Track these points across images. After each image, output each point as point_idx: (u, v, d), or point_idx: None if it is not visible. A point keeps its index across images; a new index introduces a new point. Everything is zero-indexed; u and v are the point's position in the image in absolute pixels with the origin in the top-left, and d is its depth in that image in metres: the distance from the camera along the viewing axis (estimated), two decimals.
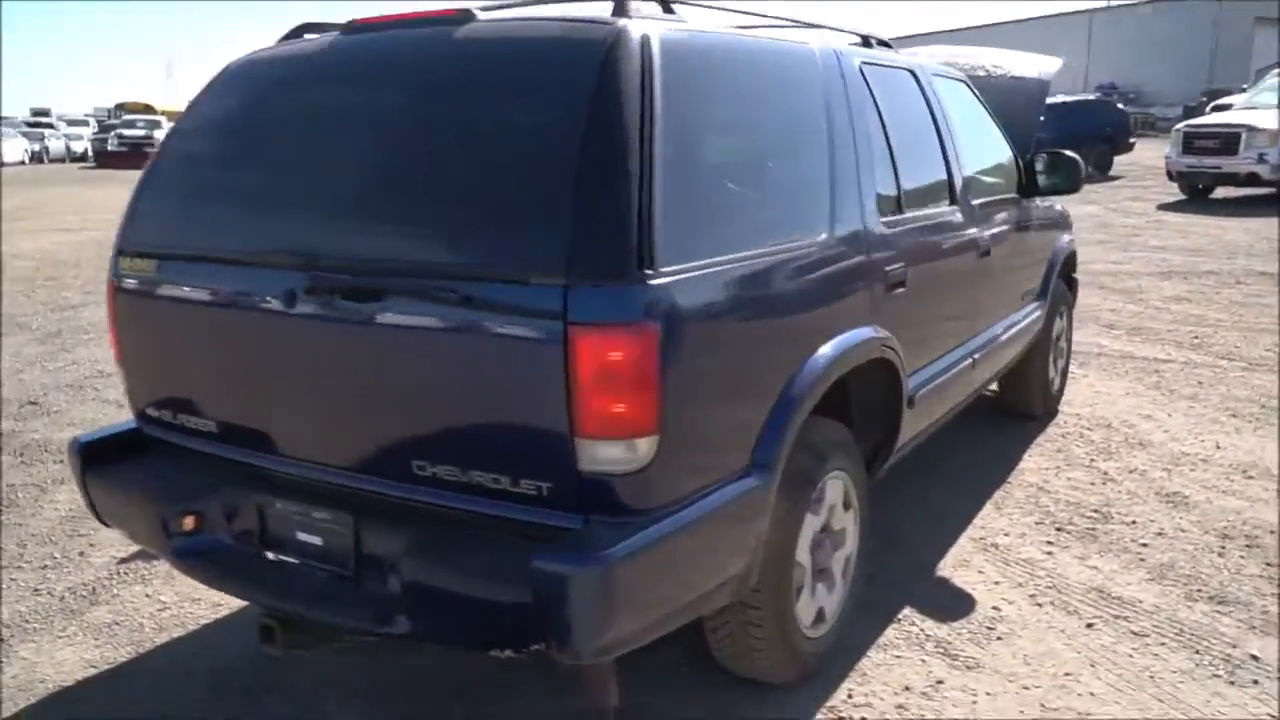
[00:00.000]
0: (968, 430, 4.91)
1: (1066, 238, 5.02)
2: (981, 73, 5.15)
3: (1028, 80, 5.04)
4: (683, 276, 2.06)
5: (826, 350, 2.54)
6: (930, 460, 4.50)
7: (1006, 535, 3.76)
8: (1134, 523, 3.86)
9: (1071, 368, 6.05)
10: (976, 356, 3.70)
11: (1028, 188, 4.33)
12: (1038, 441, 4.80)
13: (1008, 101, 4.92)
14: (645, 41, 2.15)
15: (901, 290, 2.96)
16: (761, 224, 2.42)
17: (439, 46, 2.39)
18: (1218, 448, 4.64)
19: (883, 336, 2.84)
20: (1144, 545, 3.67)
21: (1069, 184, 4.32)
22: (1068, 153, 4.32)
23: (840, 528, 2.86)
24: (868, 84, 3.07)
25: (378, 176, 2.28)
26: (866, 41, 3.46)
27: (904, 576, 3.43)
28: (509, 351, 2.03)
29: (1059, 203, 5.30)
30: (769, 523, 2.43)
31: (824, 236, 2.62)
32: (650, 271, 1.99)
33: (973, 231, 3.57)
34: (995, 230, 3.87)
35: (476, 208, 2.13)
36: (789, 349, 2.44)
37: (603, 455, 1.99)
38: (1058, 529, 3.81)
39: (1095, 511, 3.97)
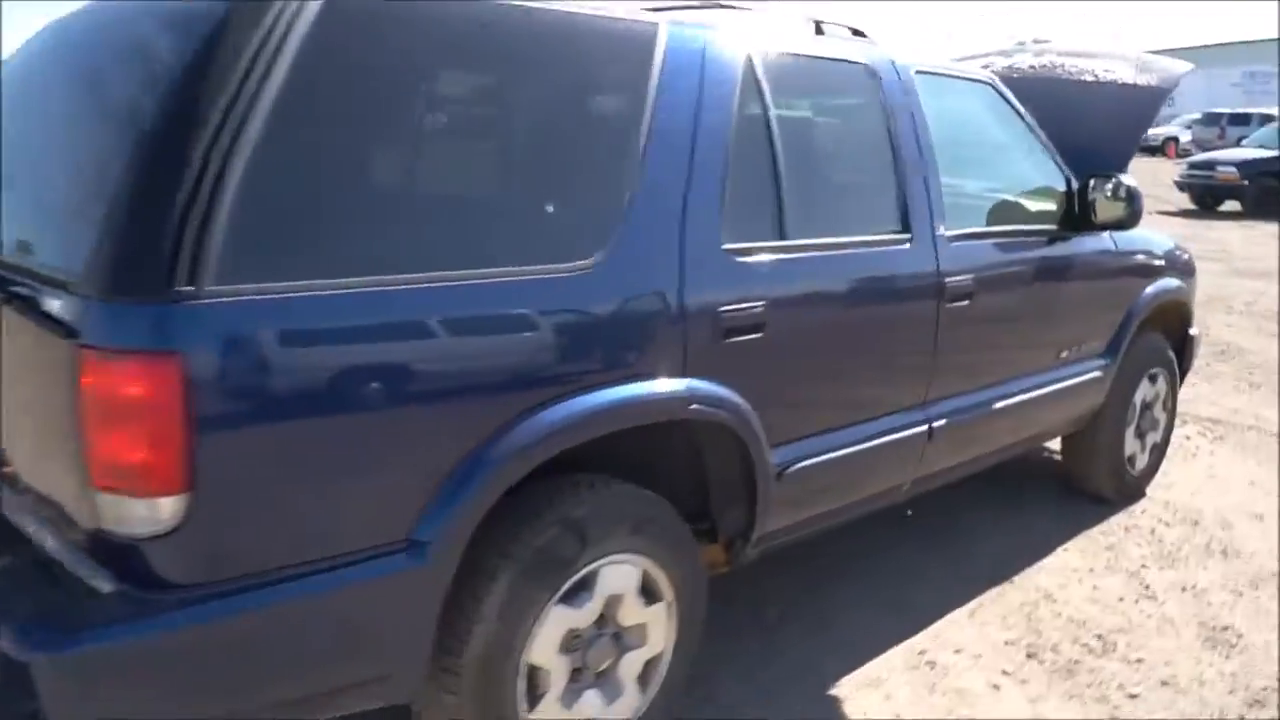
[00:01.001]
0: (1011, 502, 4.07)
1: (1166, 284, 4.03)
2: (1089, 77, 4.25)
3: (1140, 89, 4.08)
4: (255, 298, 1.61)
5: (569, 406, 1.99)
6: (932, 530, 3.75)
7: (957, 653, 2.99)
8: (1139, 661, 2.98)
9: (1203, 439, 4.98)
10: (939, 424, 2.95)
11: (1077, 219, 3.46)
12: (1091, 531, 3.88)
13: (1109, 114, 4.03)
14: (283, 12, 1.70)
15: (755, 337, 2.33)
16: (446, 239, 1.88)
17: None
18: None
19: (703, 393, 2.23)
20: (1132, 697, 2.80)
21: (1123, 218, 3.42)
22: (1125, 179, 3.41)
23: (634, 624, 2.30)
24: (759, 83, 2.44)
25: None
26: (819, 28, 2.81)
27: (780, 684, 2.77)
28: (47, 373, 1.67)
29: (1166, 242, 4.30)
30: (456, 611, 1.95)
31: (591, 259, 2.04)
32: (192, 289, 1.55)
33: (930, 270, 2.82)
34: (992, 271, 3.09)
35: (62, 201, 1.80)
36: (483, 401, 1.90)
37: (121, 513, 1.59)
38: (1030, 655, 2.99)
39: (1099, 638, 3.10)
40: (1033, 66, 4.52)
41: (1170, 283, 4.08)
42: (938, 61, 3.15)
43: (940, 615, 3.19)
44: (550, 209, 2.05)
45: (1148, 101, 4.05)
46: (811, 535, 2.90)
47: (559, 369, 1.99)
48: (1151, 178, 23.89)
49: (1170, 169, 20.16)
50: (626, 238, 2.10)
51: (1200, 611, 3.29)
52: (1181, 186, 17.95)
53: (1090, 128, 4.03)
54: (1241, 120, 26.39)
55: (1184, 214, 16.93)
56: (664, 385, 2.16)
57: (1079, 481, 4.14)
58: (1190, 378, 6.21)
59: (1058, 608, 3.28)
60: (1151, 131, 35.61)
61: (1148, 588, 3.45)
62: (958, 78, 3.26)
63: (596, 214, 2.10)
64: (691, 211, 2.22)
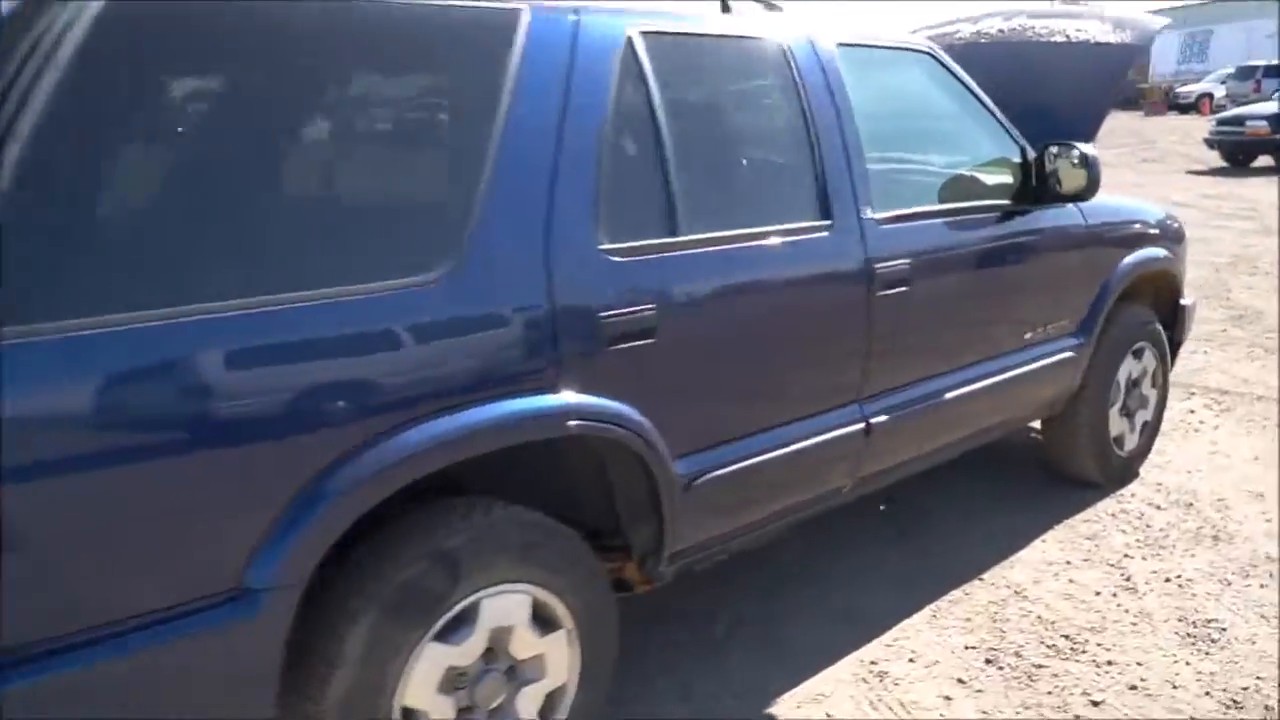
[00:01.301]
0: (988, 490, 3.86)
1: (1146, 255, 3.78)
2: (1059, 39, 4.02)
3: (1112, 48, 3.85)
4: (43, 339, 1.47)
5: (417, 432, 1.83)
6: (899, 524, 3.56)
7: (912, 661, 2.80)
8: (1109, 663, 2.77)
9: (1208, 411, 4.73)
10: (879, 420, 2.76)
11: (1035, 192, 3.24)
12: (1074, 519, 3.66)
13: (1081, 75, 3.81)
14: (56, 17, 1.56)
15: (646, 344, 2.16)
16: (257, 260, 1.71)
17: None
18: None
19: (583, 407, 2.07)
20: (1095, 704, 2.61)
21: (1081, 188, 3.19)
22: (1083, 146, 3.17)
23: (529, 656, 2.15)
24: (641, 66, 2.26)
25: None
26: (725, 5, 2.63)
27: (720, 704, 2.61)
28: None
29: (1148, 209, 4.06)
30: (317, 655, 1.84)
31: (437, 271, 1.86)
32: None
33: (855, 257, 2.63)
34: (935, 253, 2.89)
35: None
36: (313, 433, 1.73)
37: None
38: (989, 660, 2.80)
39: (1067, 638, 2.90)
40: (1001, 31, 4.29)
41: (1152, 253, 3.83)
42: (868, 33, 2.94)
43: (899, 620, 3.00)
44: (383, 219, 1.89)
45: (1120, 60, 3.82)
46: (755, 545, 2.74)
47: (404, 393, 1.84)
48: (1184, 135, 23.23)
49: (1203, 126, 19.52)
50: (479, 244, 1.93)
51: (1182, 605, 3.07)
52: (1211, 144, 17.41)
53: (1061, 91, 3.82)
54: (1277, 73, 25.52)
55: (1214, 172, 16.38)
56: (533, 402, 2.00)
57: (1062, 465, 3.92)
58: (1203, 345, 5.95)
59: (1027, 606, 3.07)
60: (1184, 89, 34.72)
61: (1128, 579, 3.23)
62: (892, 48, 3.05)
63: (441, 221, 1.93)
64: (559, 211, 2.05)
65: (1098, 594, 3.15)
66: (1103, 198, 3.85)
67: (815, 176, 2.59)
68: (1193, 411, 4.84)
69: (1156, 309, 4.12)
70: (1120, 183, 12.31)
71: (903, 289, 2.75)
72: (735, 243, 2.37)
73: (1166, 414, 4.35)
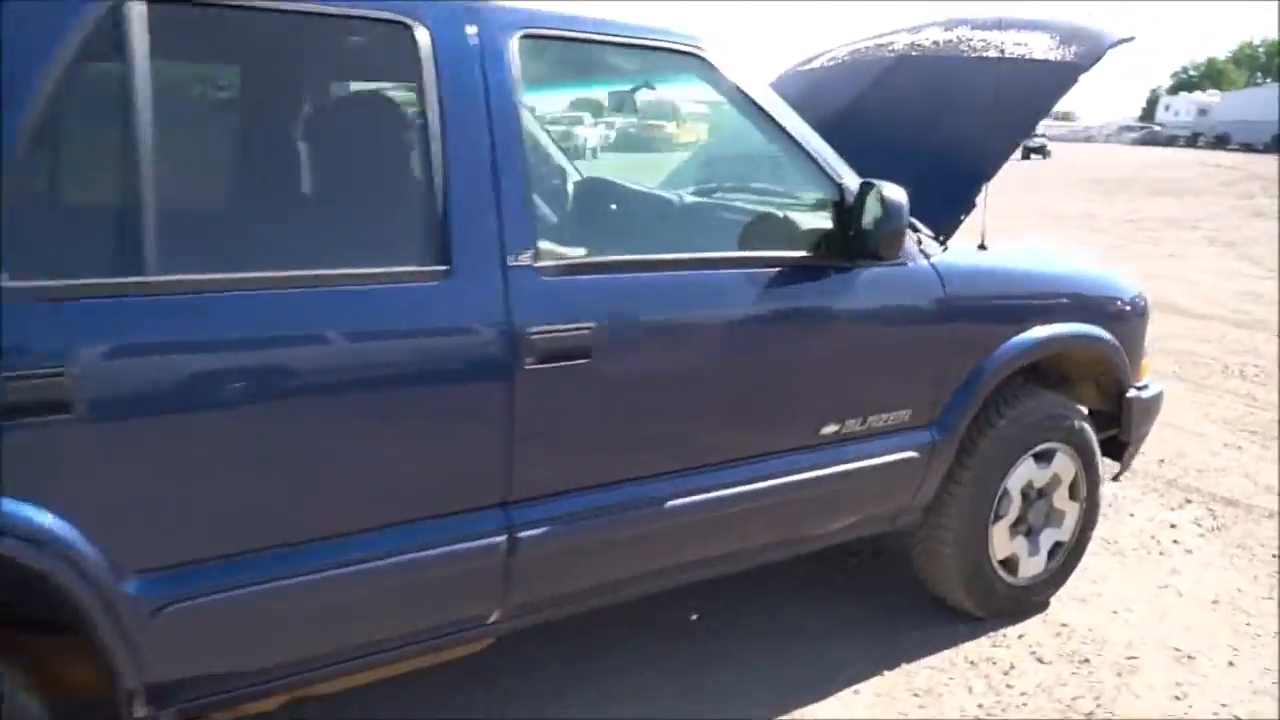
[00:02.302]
0: (841, 599, 3.09)
1: (1060, 332, 2.93)
2: (992, 54, 3.23)
3: (1050, 65, 3.02)
4: None
5: None
6: (692, 647, 2.84)
7: None
8: None
9: (1193, 528, 3.79)
10: (531, 533, 2.08)
11: (853, 244, 2.46)
12: (916, 663, 2.84)
13: (1006, 98, 3.02)
14: None
15: (75, 434, 1.58)
16: None
17: None
18: None
19: None
20: None
21: (873, 245, 2.40)
22: (885, 187, 2.37)
23: None
24: (126, 44, 1.67)
25: None
26: None
27: None
28: None
29: (1082, 271, 3.21)
30: None
31: None
32: None
33: (488, 315, 1.96)
34: (645, 318, 2.18)
35: None
36: None
37: None
38: None
39: None
40: (936, 43, 3.50)
41: (1073, 330, 2.97)
42: (594, 19, 2.22)
43: None
44: None
45: (1055, 81, 2.99)
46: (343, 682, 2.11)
47: None
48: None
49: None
50: None
51: None
52: None
53: (977, 119, 3.03)
54: None
55: None
56: None
57: (934, 588, 3.09)
58: (1244, 436, 4.89)
59: None
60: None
61: None
62: (627, 44, 2.33)
63: None
64: None
65: None
66: (1002, 254, 3.05)
67: (427, 209, 1.93)
68: (1174, 526, 3.88)
69: (1092, 399, 3.26)
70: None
71: (578, 362, 2.06)
72: (248, 288, 1.75)
73: (1140, 524, 3.49)
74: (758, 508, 2.43)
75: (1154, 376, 3.43)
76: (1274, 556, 3.60)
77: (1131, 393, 3.24)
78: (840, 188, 2.46)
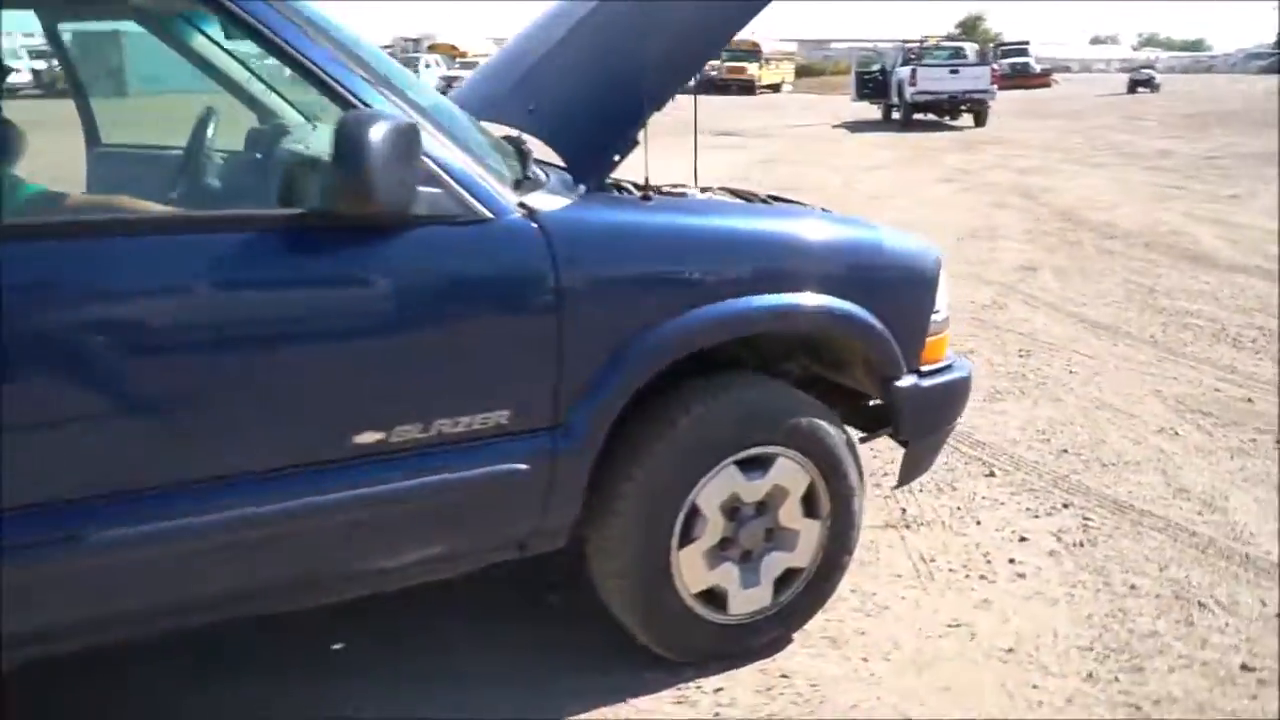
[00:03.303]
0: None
1: (768, 305, 2.24)
2: None
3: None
4: None
5: None
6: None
7: None
8: None
9: (1061, 542, 3.08)
10: None
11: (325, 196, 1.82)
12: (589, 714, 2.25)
13: (679, 32, 2.43)
14: None
15: None
16: None
17: None
18: None
19: None
20: None
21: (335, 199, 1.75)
22: (352, 122, 1.70)
23: None
24: None
25: None
26: None
27: None
28: None
29: (820, 225, 2.50)
30: None
31: None
32: None
33: None
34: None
35: None
36: None
37: None
38: None
39: None
40: None
41: (768, 302, 2.26)
42: None
43: None
44: None
45: (727, 16, 2.34)
46: None
47: None
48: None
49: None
50: None
51: None
52: None
53: (640, 55, 2.39)
54: None
55: None
56: None
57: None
58: (1183, 420, 4.04)
59: None
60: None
61: None
62: None
63: None
64: None
65: None
66: (674, 207, 2.40)
67: None
68: (1024, 539, 3.12)
69: (839, 391, 2.58)
70: None
71: None
72: None
73: (981, 537, 2.92)
74: (242, 540, 1.84)
75: (964, 353, 2.71)
76: (1131, 589, 2.84)
77: (905, 380, 2.51)
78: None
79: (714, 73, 44.15)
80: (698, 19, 2.40)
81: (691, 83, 2.41)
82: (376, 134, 1.68)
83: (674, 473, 2.25)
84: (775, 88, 46.40)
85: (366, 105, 1.85)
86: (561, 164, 2.33)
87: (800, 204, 2.93)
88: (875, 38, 31.73)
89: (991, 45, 45.82)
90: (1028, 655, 2.51)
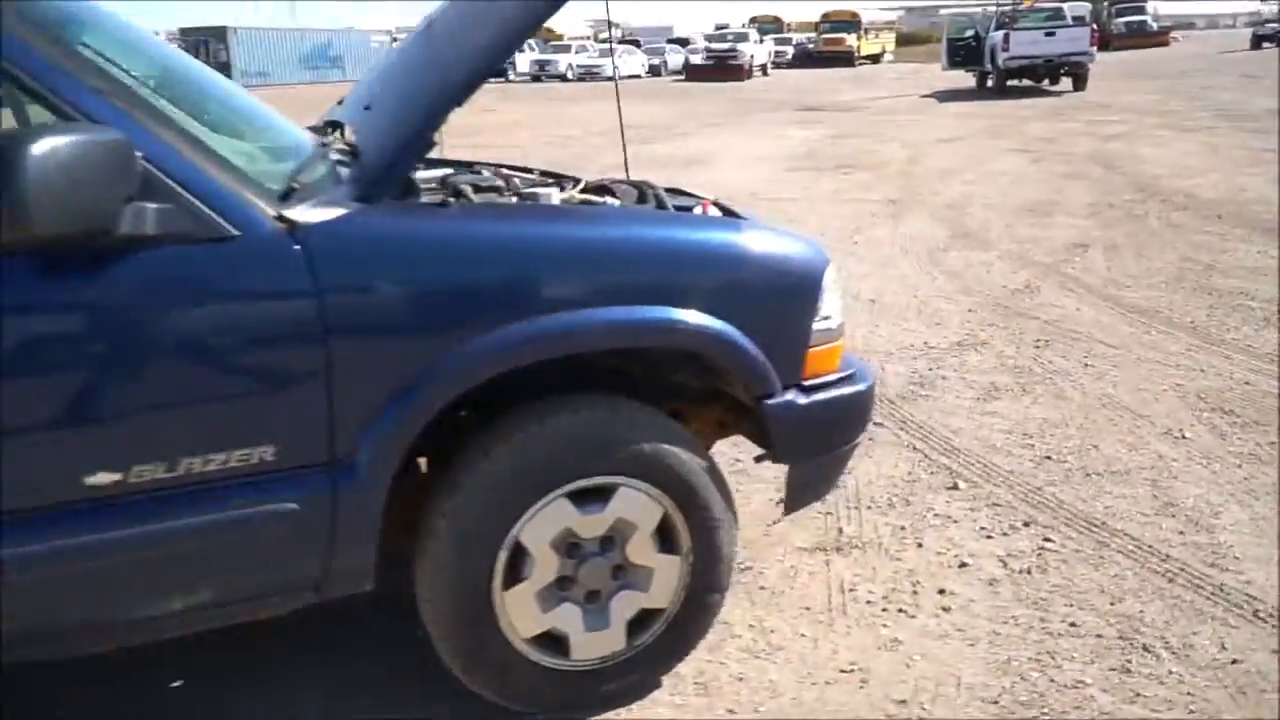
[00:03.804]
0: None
1: (577, 321, 1.99)
2: None
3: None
4: None
5: None
6: None
7: None
8: None
9: (1026, 558, 2.78)
10: None
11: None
12: None
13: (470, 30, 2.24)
14: None
15: None
16: None
17: None
18: None
19: None
20: None
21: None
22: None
23: None
24: None
25: None
26: None
27: None
28: None
29: (647, 232, 2.24)
30: None
31: None
32: None
33: None
34: None
35: None
36: None
37: None
38: None
39: None
40: None
41: (590, 317, 2.00)
42: None
43: None
44: None
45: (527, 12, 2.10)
46: None
47: None
48: None
49: None
50: None
51: None
52: None
53: (446, 55, 2.19)
54: None
55: None
56: None
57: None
58: (1199, 420, 3.61)
59: None
60: None
61: None
62: None
63: None
64: None
65: None
66: (476, 214, 2.17)
67: None
68: (964, 565, 2.80)
69: (707, 417, 2.32)
70: None
71: None
72: None
73: (916, 561, 2.70)
74: None
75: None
76: (1070, 627, 2.49)
77: (778, 398, 2.22)
78: None
79: (810, 45, 43.15)
80: (493, 16, 2.16)
81: (614, 72, 2.19)
82: (38, 151, 1.50)
83: (489, 507, 2.03)
84: (875, 58, 45.09)
85: (88, 117, 1.68)
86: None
87: (695, 197, 2.66)
88: (983, 1, 30.21)
89: (1106, 3, 43.49)
90: (920, 710, 2.21)
